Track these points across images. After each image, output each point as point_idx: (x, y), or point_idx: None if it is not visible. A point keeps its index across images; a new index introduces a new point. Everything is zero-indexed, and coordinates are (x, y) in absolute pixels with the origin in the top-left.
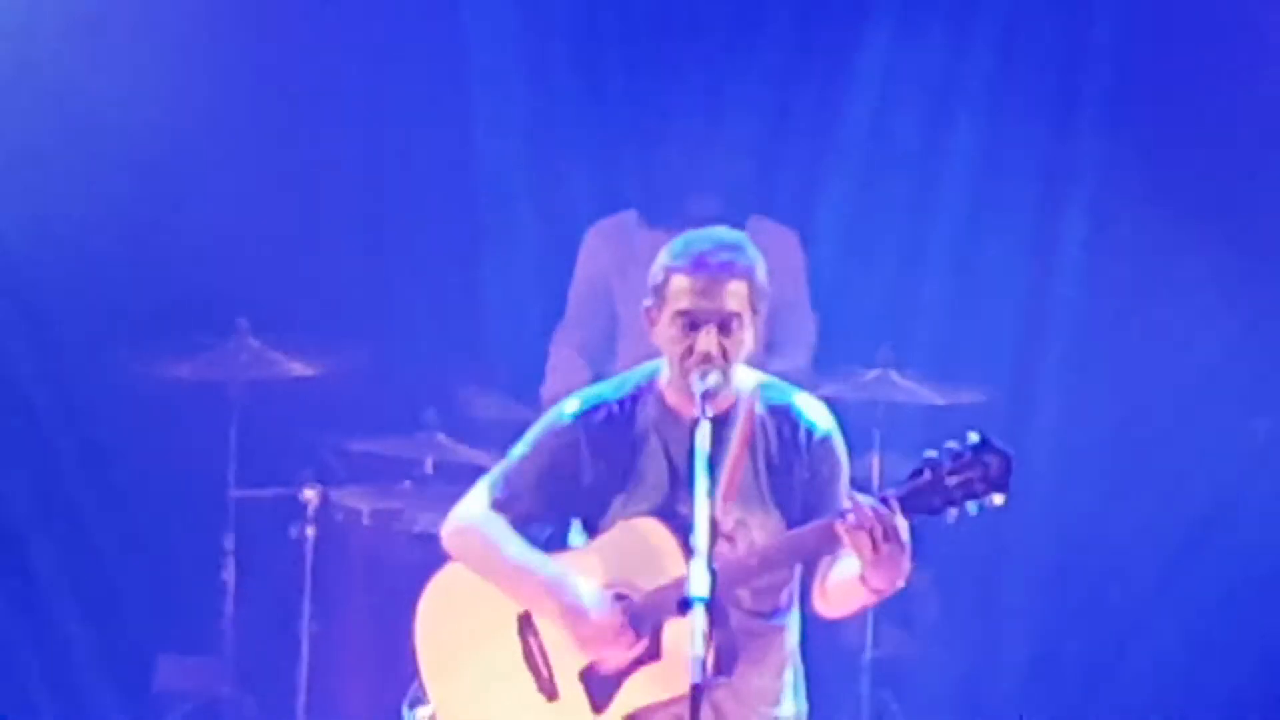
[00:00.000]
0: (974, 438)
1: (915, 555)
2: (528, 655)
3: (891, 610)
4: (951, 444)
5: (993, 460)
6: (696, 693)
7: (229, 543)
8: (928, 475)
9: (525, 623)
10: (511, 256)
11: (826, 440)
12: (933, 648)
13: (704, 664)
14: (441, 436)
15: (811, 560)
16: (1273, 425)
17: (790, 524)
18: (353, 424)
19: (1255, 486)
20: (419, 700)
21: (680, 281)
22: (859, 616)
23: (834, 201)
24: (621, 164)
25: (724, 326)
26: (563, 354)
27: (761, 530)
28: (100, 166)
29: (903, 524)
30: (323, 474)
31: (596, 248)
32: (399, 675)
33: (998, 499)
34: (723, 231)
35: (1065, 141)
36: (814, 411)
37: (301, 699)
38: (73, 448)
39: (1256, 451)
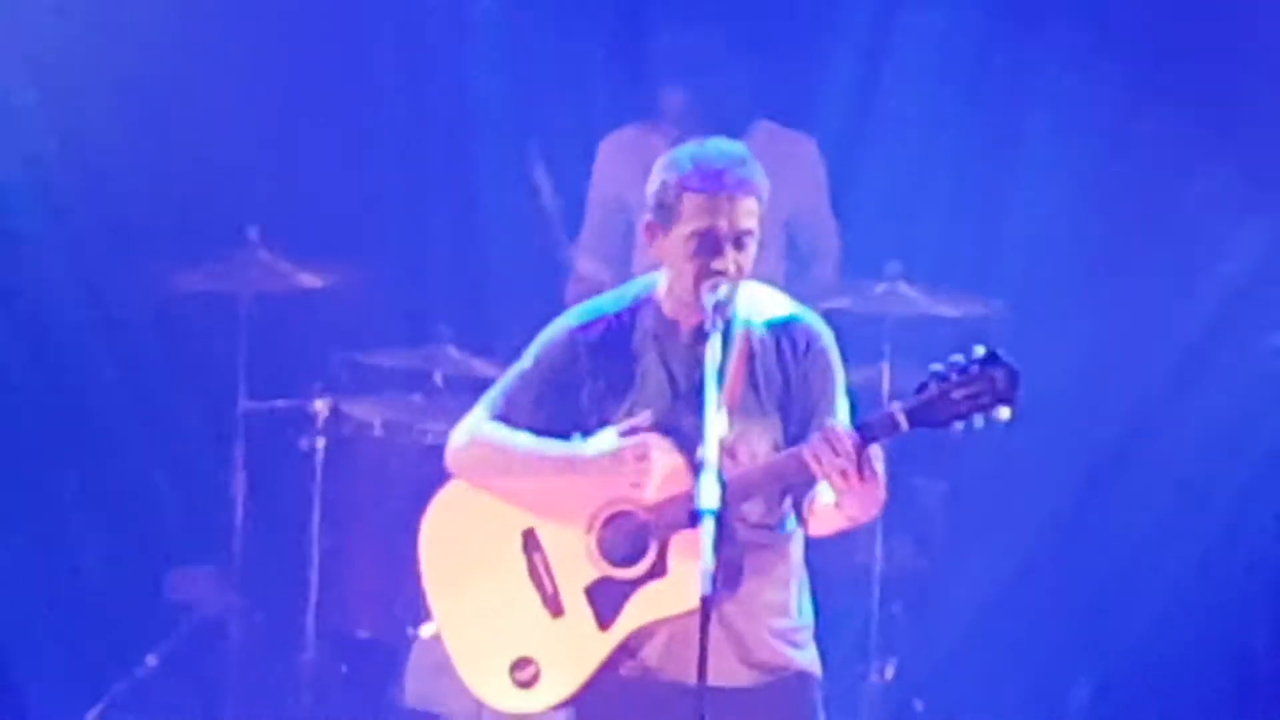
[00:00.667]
0: (980, 351)
1: (928, 469)
2: (532, 572)
3: (902, 524)
4: (957, 358)
5: (999, 374)
6: (706, 605)
7: (239, 455)
8: (934, 389)
9: (529, 539)
10: (522, 168)
11: (822, 353)
12: (943, 562)
13: (715, 577)
14: (451, 349)
15: (795, 483)
16: None
17: (788, 436)
18: (363, 336)
19: (1273, 402)
20: (412, 604)
21: (696, 200)
22: (869, 530)
23: (841, 113)
24: (630, 74)
25: (739, 243)
26: (586, 263)
27: (761, 442)
28: (110, 79)
29: (877, 453)
30: (333, 386)
31: (610, 160)
32: (408, 586)
33: (1004, 413)
34: (726, 145)
35: (1081, 49)
36: (810, 324)
37: (310, 610)
38: (81, 360)
39: (1274, 367)
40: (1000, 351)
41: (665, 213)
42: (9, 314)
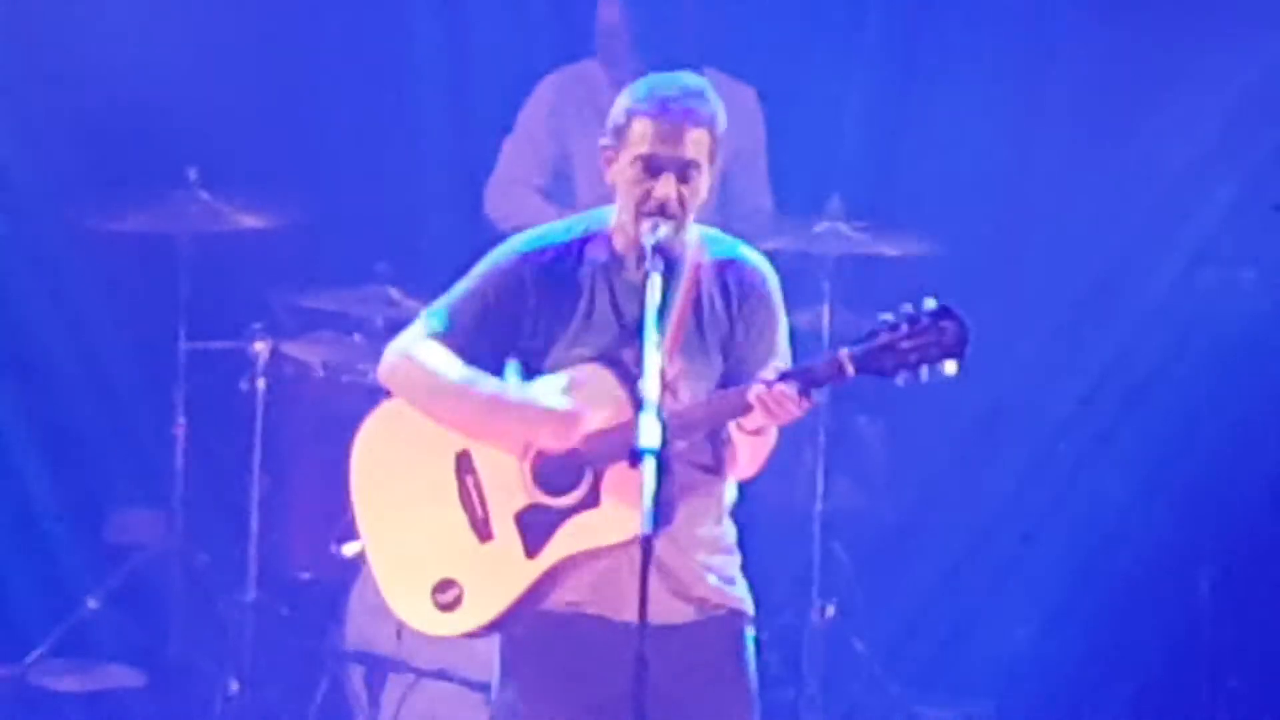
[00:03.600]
0: (931, 304)
1: (869, 408)
2: (463, 494)
3: (842, 462)
4: (908, 307)
5: (949, 327)
6: (647, 545)
7: (179, 396)
8: (883, 338)
9: (463, 461)
10: (463, 110)
11: (766, 296)
12: (882, 500)
13: (655, 516)
14: (392, 290)
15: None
16: (1256, 277)
17: (727, 376)
18: (303, 277)
19: (1202, 341)
20: (349, 536)
21: (642, 125)
22: (810, 469)
23: (781, 51)
24: (575, 15)
25: (683, 174)
26: (518, 149)
27: (704, 381)
28: (51, 18)
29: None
30: (273, 327)
31: (555, 86)
32: (349, 528)
33: (950, 367)
34: (688, 77)
35: None
36: (756, 265)
37: (252, 551)
38: (21, 300)
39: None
40: (952, 305)
41: (616, 136)
42: None
